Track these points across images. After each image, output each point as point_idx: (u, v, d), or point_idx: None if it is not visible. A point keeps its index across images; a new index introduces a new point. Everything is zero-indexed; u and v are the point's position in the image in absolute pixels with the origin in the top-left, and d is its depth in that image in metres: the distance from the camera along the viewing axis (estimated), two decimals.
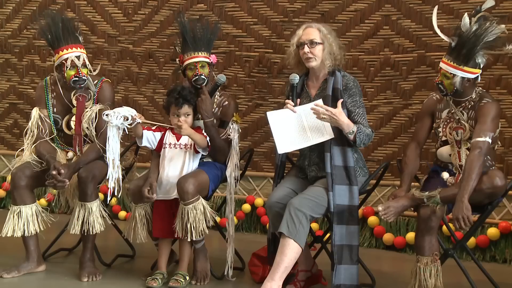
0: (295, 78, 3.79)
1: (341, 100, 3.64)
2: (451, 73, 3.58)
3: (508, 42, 3.68)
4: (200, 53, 4.06)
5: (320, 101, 3.69)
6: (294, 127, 3.71)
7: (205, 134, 3.93)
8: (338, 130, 3.66)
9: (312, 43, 3.74)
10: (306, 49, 3.74)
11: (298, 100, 3.78)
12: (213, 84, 4.07)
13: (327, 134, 3.67)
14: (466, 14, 3.64)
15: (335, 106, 3.65)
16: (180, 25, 4.10)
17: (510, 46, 3.67)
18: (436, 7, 3.88)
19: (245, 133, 5.26)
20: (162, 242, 3.94)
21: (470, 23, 3.58)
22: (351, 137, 3.62)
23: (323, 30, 3.79)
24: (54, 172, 3.82)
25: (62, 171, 3.83)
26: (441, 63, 3.65)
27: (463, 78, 3.58)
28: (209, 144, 3.93)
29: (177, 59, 4.18)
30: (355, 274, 3.66)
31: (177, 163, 3.90)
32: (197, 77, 4.03)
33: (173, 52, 5.52)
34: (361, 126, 3.66)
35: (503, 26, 3.59)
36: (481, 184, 3.46)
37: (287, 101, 3.76)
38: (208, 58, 4.09)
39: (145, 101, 5.71)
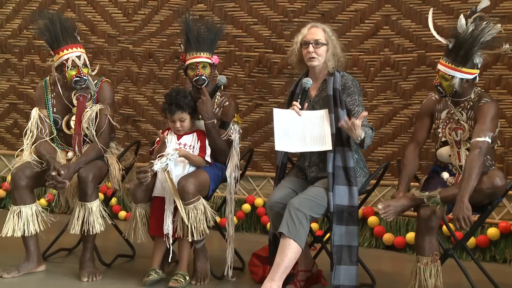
0: (308, 82, 3.75)
1: (366, 113, 3.62)
2: (449, 75, 3.58)
3: (505, 42, 3.67)
4: (202, 53, 4.07)
5: (326, 112, 3.69)
6: (296, 130, 3.70)
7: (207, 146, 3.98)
8: (338, 131, 3.66)
9: (317, 43, 3.74)
10: (311, 48, 3.73)
11: (306, 104, 3.77)
12: (214, 85, 4.07)
13: (326, 146, 3.67)
14: (462, 15, 3.64)
15: (336, 106, 3.67)
16: (185, 24, 4.11)
17: (506, 46, 3.67)
18: (431, 9, 3.88)
19: (245, 133, 5.25)
20: (158, 240, 3.94)
21: (466, 24, 3.58)
22: (358, 142, 3.63)
23: (328, 31, 3.79)
24: (54, 173, 3.82)
25: (62, 172, 3.83)
26: (439, 65, 3.64)
27: (461, 79, 3.57)
28: (208, 161, 3.97)
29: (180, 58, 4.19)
30: (354, 275, 3.66)
31: (178, 163, 3.90)
32: (197, 77, 4.03)
33: (173, 52, 5.53)
34: (366, 129, 3.64)
35: (499, 25, 3.59)
36: (481, 184, 3.46)
37: (294, 102, 3.75)
38: (210, 59, 4.09)
39: (145, 101, 5.71)
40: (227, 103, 4.12)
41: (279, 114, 3.75)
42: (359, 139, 3.60)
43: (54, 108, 4.15)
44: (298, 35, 3.85)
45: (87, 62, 4.07)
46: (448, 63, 3.59)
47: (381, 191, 5.02)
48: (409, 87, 4.98)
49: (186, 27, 4.09)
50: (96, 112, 4.07)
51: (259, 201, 5.38)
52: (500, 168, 4.40)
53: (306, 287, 3.89)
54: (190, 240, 3.83)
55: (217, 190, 4.14)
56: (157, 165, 3.78)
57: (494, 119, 3.58)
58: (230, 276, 4.00)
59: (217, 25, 4.22)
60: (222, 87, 4.10)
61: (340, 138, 3.66)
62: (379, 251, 4.95)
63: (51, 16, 4.10)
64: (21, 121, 6.02)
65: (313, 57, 3.74)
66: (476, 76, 3.62)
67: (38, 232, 4.00)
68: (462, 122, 3.65)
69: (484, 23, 3.56)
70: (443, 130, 3.71)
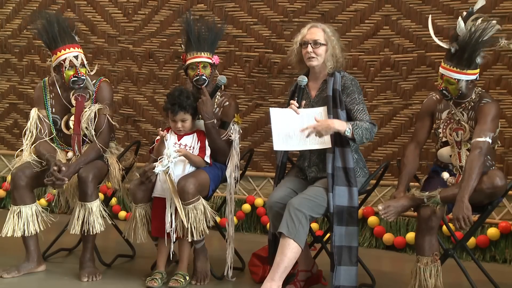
0: (304, 80, 3.77)
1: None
2: (455, 79, 3.57)
3: (502, 38, 3.66)
4: (203, 53, 4.07)
5: (324, 109, 3.69)
6: (294, 128, 3.70)
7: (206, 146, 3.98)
8: (337, 132, 3.65)
9: (316, 43, 3.74)
10: (310, 48, 3.73)
11: (303, 102, 3.77)
12: (214, 85, 4.07)
13: (325, 144, 3.66)
14: (460, 18, 3.62)
15: (335, 107, 3.67)
16: (186, 24, 4.11)
17: (504, 41, 3.65)
18: (431, 16, 3.87)
19: (245, 133, 5.26)
20: (161, 241, 3.94)
21: (465, 26, 3.57)
22: (349, 135, 3.61)
23: (328, 32, 3.78)
24: (54, 168, 3.82)
25: (63, 168, 3.83)
26: (442, 69, 3.62)
27: (467, 81, 3.57)
28: (208, 162, 3.96)
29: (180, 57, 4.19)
30: (354, 276, 3.66)
31: (178, 163, 3.90)
32: (198, 77, 4.04)
33: (173, 52, 5.53)
34: (356, 121, 3.65)
35: (496, 24, 3.56)
36: (481, 184, 3.46)
37: (292, 101, 3.75)
38: (211, 59, 4.09)
39: (145, 101, 5.71)
40: (227, 103, 4.12)
41: (276, 114, 3.75)
42: (348, 129, 3.56)
43: (53, 109, 4.15)
44: (298, 35, 3.85)
45: (85, 62, 4.07)
46: (452, 67, 3.57)
47: (381, 191, 5.02)
48: (409, 87, 4.98)
49: (187, 27, 4.10)
50: (95, 112, 4.07)
51: (259, 201, 5.38)
52: (500, 168, 4.40)
53: (306, 287, 3.89)
54: (190, 240, 3.83)
55: (217, 190, 4.14)
56: (159, 167, 3.78)
57: (495, 120, 3.58)
58: (230, 276, 4.00)
59: (218, 25, 4.23)
60: (222, 87, 4.10)
61: (340, 138, 3.66)
62: (379, 251, 4.95)
63: (48, 17, 4.10)
64: (21, 121, 6.02)
65: (312, 57, 3.74)
66: (477, 76, 3.63)
67: (38, 232, 4.01)
68: (463, 123, 3.65)
69: (483, 22, 3.55)
70: (444, 130, 3.71)
